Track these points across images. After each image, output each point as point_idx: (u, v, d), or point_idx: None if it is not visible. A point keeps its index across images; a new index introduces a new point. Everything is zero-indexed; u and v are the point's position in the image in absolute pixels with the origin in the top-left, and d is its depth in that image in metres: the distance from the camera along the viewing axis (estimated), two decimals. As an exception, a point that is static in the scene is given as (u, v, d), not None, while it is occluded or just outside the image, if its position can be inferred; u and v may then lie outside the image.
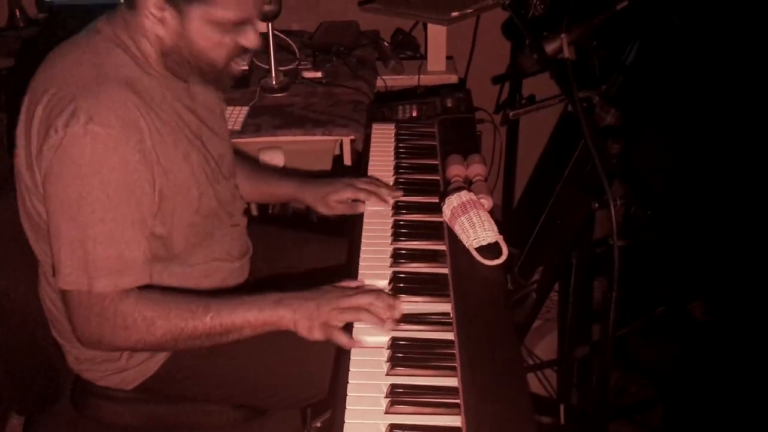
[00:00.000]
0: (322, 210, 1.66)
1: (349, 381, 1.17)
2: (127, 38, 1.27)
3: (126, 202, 1.20)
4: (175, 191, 1.30)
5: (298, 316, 1.25)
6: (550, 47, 1.36)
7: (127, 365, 1.41)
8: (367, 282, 1.36)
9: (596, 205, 1.13)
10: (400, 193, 1.63)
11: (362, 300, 1.26)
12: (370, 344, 1.24)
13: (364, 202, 1.62)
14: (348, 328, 1.27)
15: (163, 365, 1.43)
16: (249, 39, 1.28)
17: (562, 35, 1.33)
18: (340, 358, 1.24)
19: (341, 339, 1.24)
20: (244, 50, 1.29)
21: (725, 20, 1.55)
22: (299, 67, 2.34)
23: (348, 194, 1.63)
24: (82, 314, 1.21)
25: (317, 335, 1.25)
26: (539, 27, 1.49)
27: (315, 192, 1.66)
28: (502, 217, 2.57)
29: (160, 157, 1.25)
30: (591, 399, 1.64)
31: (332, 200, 1.64)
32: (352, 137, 2.02)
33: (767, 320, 1.59)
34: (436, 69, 2.42)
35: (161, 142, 1.25)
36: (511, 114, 1.44)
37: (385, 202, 1.61)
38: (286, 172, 1.75)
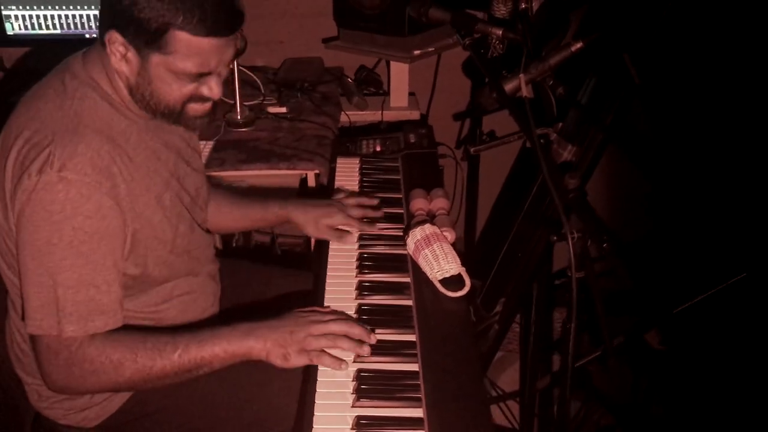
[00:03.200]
0: (311, 231, 1.63)
1: (315, 413, 1.18)
2: (103, 78, 1.27)
3: (97, 248, 1.20)
4: (148, 234, 1.31)
5: (270, 345, 1.25)
6: (508, 86, 1.41)
7: (90, 402, 1.40)
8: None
9: (554, 238, 1.17)
10: (387, 225, 1.65)
11: (337, 327, 1.27)
12: (339, 375, 1.26)
13: (351, 234, 1.62)
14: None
15: (126, 402, 1.42)
16: (210, 89, 1.27)
17: (521, 75, 1.38)
18: (306, 389, 1.25)
19: (326, 361, 1.24)
20: (204, 98, 1.29)
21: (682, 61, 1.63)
22: (264, 102, 2.37)
23: (340, 222, 1.62)
24: (51, 359, 1.20)
25: (295, 362, 1.25)
26: (498, 66, 1.54)
27: (305, 213, 1.64)
28: (465, 250, 2.60)
29: (133, 203, 1.26)
30: (552, 429, 1.67)
31: (323, 224, 1.62)
32: (317, 171, 2.04)
33: (725, 347, 1.65)
34: (398, 105, 2.46)
35: (135, 188, 1.27)
36: (472, 150, 1.49)
37: (375, 229, 1.63)
38: (269, 195, 1.73)
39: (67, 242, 1.18)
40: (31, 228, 1.18)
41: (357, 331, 1.27)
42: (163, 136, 1.39)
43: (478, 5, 1.93)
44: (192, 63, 1.20)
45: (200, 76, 1.24)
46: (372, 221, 1.66)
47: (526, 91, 1.37)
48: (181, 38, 1.17)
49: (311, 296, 1.47)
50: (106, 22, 1.21)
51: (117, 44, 1.21)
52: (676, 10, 1.25)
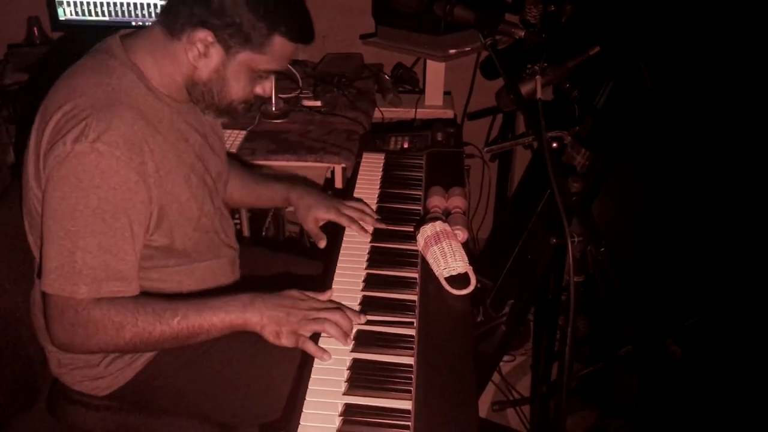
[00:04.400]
0: (300, 217, 1.70)
1: (306, 398, 1.21)
2: (146, 63, 1.34)
3: (119, 219, 1.26)
4: (175, 210, 1.38)
5: (266, 320, 1.30)
6: (525, 88, 1.41)
7: (105, 372, 1.46)
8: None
9: (554, 240, 1.16)
10: (382, 225, 1.67)
11: (330, 314, 1.32)
12: (334, 364, 1.28)
13: (324, 240, 1.66)
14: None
15: (137, 374, 1.48)
16: (264, 89, 1.42)
17: (537, 77, 1.38)
18: (302, 375, 1.27)
19: (310, 347, 1.29)
20: (257, 96, 1.42)
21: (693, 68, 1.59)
22: (300, 95, 2.41)
23: (330, 217, 1.67)
24: (56, 317, 1.26)
25: (285, 342, 1.30)
26: (524, 62, 1.52)
27: (302, 198, 1.70)
28: (489, 251, 2.60)
29: (162, 180, 1.33)
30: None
31: (313, 215, 1.67)
32: (344, 165, 2.07)
33: (740, 356, 1.61)
34: (433, 103, 2.48)
35: (164, 166, 1.33)
36: (485, 149, 1.49)
37: (365, 231, 1.65)
38: (282, 177, 1.80)
39: (92, 210, 1.24)
40: (59, 193, 1.24)
41: (346, 323, 1.32)
42: (190, 121, 1.45)
43: (510, 8, 1.93)
44: (277, 64, 1.35)
45: (261, 78, 1.38)
46: (361, 228, 1.66)
47: (541, 93, 1.37)
48: (280, 43, 1.32)
49: (319, 283, 1.50)
50: (191, 21, 1.29)
51: (202, 42, 1.30)
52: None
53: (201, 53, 1.31)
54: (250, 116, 2.27)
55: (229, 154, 1.98)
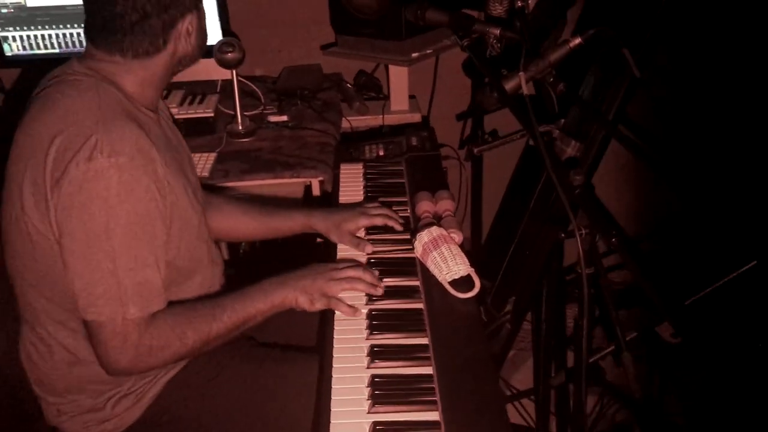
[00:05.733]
0: (334, 238, 1.64)
1: (332, 421, 1.18)
2: (117, 77, 1.31)
3: (150, 228, 1.24)
4: (182, 216, 1.35)
5: (298, 292, 1.38)
6: (509, 85, 1.41)
7: (111, 413, 1.41)
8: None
9: (563, 235, 1.17)
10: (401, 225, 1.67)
11: (352, 272, 1.41)
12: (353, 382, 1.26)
13: (370, 242, 1.61)
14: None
15: (144, 413, 1.43)
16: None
17: (520, 73, 1.38)
18: (321, 397, 1.25)
19: (342, 307, 1.38)
20: None
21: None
22: (264, 111, 2.37)
23: (364, 223, 1.63)
24: (118, 343, 1.23)
25: (318, 305, 1.38)
26: (497, 65, 1.54)
27: (327, 219, 1.65)
28: (472, 250, 2.60)
29: (170, 186, 1.30)
30: (568, 426, 1.66)
31: (346, 228, 1.62)
32: (321, 178, 2.04)
33: (737, 338, 1.64)
34: (399, 108, 2.47)
35: (168, 173, 1.30)
36: (475, 150, 1.49)
37: (400, 226, 1.65)
38: (291, 205, 1.77)
39: (124, 225, 1.20)
40: (86, 216, 1.19)
41: (369, 276, 1.42)
42: (167, 131, 1.44)
43: (474, 5, 1.94)
44: None
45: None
46: (396, 222, 1.66)
47: (526, 89, 1.37)
48: None
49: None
50: (167, 26, 1.30)
51: (188, 30, 1.33)
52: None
53: (189, 33, 1.34)
54: (217, 137, 2.22)
55: (220, 187, 1.95)
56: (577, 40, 1.35)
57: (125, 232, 1.20)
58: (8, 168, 1.30)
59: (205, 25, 1.41)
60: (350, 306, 1.38)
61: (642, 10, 1.29)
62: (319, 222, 1.66)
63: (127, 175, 1.19)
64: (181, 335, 1.28)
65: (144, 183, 1.22)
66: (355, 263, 1.48)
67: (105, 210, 1.18)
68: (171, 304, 1.32)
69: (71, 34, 2.23)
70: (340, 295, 1.41)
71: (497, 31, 1.52)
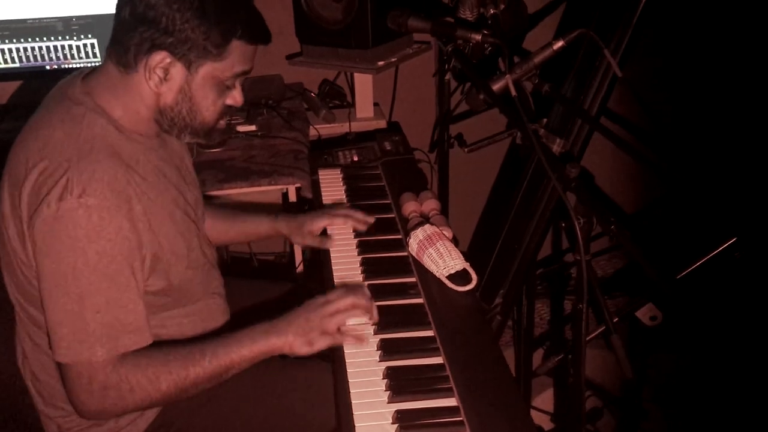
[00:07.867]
0: (297, 240, 1.72)
1: (354, 412, 1.22)
2: (111, 103, 1.28)
3: (121, 269, 1.21)
4: (167, 250, 1.32)
5: (291, 337, 1.30)
6: (496, 87, 1.48)
7: (115, 428, 1.39)
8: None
9: (563, 224, 1.24)
10: (372, 218, 1.72)
11: (345, 302, 1.34)
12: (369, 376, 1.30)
13: (332, 239, 1.68)
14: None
15: (149, 426, 1.42)
16: (236, 98, 1.36)
17: (507, 75, 1.46)
18: (340, 394, 1.28)
19: (349, 340, 1.33)
20: (229, 108, 1.37)
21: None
22: (232, 121, 2.38)
23: (324, 222, 1.69)
24: (84, 386, 1.20)
25: (319, 345, 1.31)
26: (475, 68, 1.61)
27: (290, 222, 1.72)
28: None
29: (150, 222, 1.27)
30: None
31: (307, 229, 1.68)
32: (298, 185, 2.07)
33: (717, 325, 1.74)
34: (364, 115, 2.52)
35: (150, 207, 1.28)
36: (466, 150, 1.55)
37: (366, 222, 1.69)
38: (259, 210, 1.79)
39: (93, 266, 1.18)
40: (55, 256, 1.17)
41: (362, 300, 1.36)
42: (163, 155, 1.40)
43: (445, 11, 2.01)
44: (241, 67, 1.30)
45: (228, 89, 1.32)
46: (359, 221, 1.71)
47: (514, 91, 1.44)
48: (238, 46, 1.27)
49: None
50: (142, 47, 1.23)
51: (160, 65, 1.24)
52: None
53: (161, 78, 1.25)
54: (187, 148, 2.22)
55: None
56: (560, 43, 1.43)
57: (94, 273, 1.18)
58: (2, 184, 1.29)
59: (203, 96, 1.29)
60: (356, 336, 1.34)
61: (621, 9, 1.38)
62: (283, 226, 1.73)
63: (96, 216, 1.17)
64: (152, 378, 1.22)
65: (115, 223, 1.20)
66: (343, 289, 1.39)
67: (73, 251, 1.17)
68: (153, 344, 1.27)
69: (32, 48, 2.19)
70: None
71: (479, 37, 1.59)
